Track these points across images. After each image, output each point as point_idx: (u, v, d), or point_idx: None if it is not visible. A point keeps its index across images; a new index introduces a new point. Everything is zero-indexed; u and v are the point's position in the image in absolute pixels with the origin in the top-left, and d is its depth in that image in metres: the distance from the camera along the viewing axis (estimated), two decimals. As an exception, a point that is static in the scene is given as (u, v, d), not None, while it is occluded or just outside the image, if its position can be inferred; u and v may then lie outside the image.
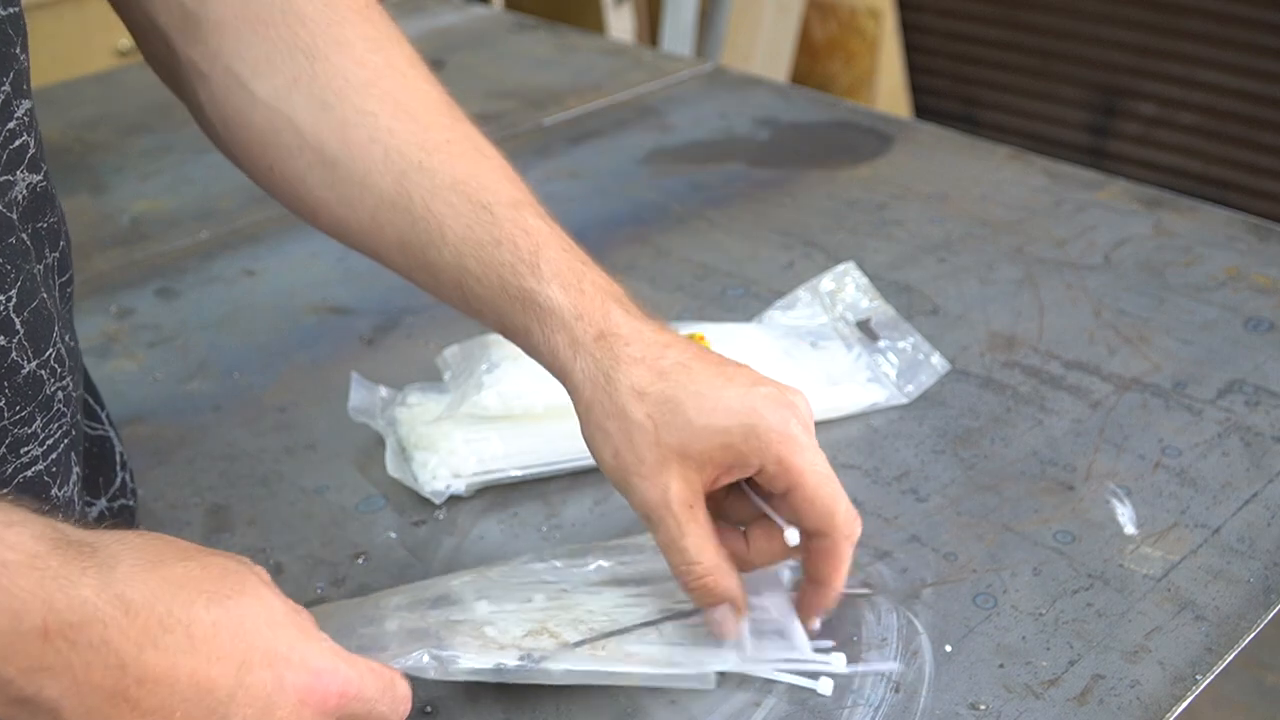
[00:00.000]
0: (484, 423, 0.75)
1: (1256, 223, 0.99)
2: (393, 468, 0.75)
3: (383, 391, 0.78)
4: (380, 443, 0.77)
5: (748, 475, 0.57)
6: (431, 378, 0.82)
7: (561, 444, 0.74)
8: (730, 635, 0.58)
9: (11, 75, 0.52)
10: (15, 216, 0.53)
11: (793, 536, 0.57)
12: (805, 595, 0.60)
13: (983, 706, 0.58)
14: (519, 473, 0.74)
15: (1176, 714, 0.58)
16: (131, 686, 0.42)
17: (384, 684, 0.49)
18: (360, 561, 0.69)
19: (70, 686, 0.41)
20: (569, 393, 0.59)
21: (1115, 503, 0.71)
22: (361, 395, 0.78)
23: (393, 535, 0.71)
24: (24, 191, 0.53)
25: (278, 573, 0.69)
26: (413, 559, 0.69)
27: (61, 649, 0.40)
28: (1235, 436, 0.75)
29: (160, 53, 0.63)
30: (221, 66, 0.60)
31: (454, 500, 0.74)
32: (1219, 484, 0.72)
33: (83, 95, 1.36)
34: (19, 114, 0.52)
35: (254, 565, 0.49)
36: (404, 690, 0.51)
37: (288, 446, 0.80)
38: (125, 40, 1.83)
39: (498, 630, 0.59)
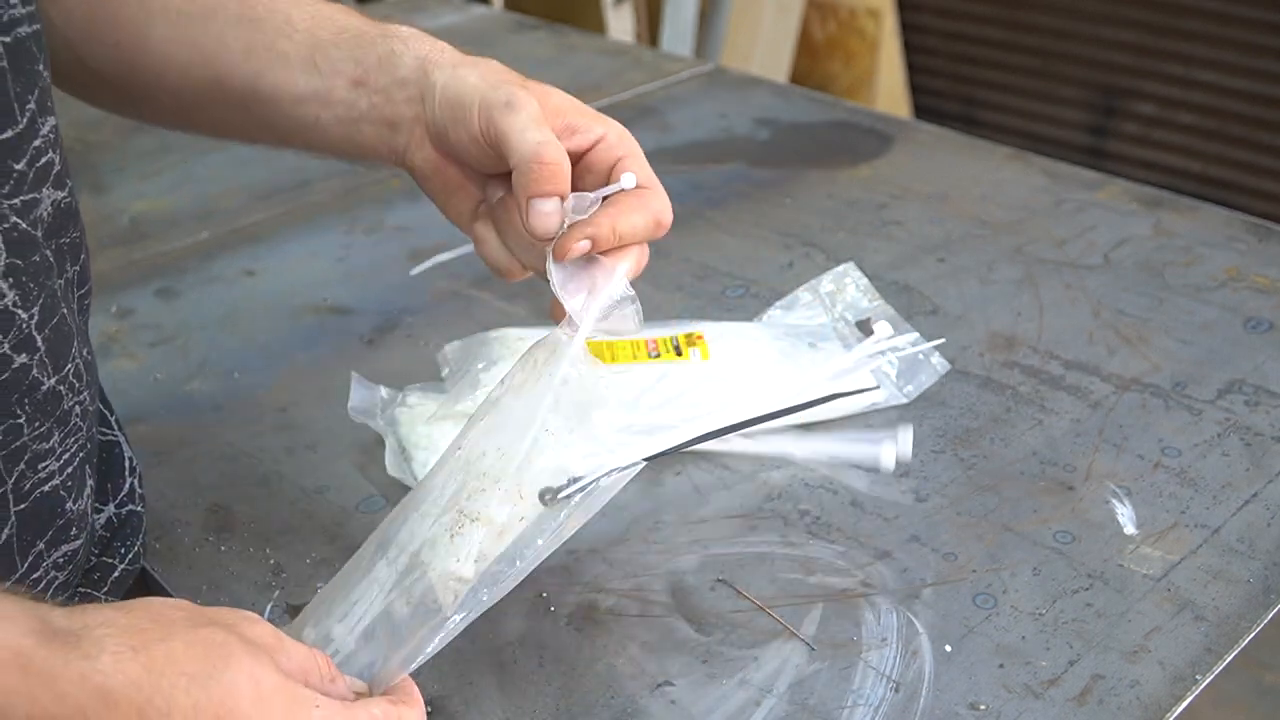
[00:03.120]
0: (484, 423, 0.75)
1: (1256, 223, 0.99)
2: (393, 468, 0.75)
3: (383, 391, 0.78)
4: (380, 443, 0.77)
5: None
6: (432, 378, 0.82)
7: (561, 444, 0.74)
8: (553, 227, 0.58)
9: (36, 93, 0.52)
10: (40, 234, 0.53)
11: (629, 180, 0.60)
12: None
13: (983, 706, 0.58)
14: (519, 473, 0.74)
15: (1176, 714, 0.58)
16: None
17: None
18: (360, 561, 0.69)
19: None
20: (429, 73, 0.62)
21: (1115, 503, 0.71)
22: (361, 395, 0.78)
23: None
24: (49, 208, 0.54)
25: (278, 572, 0.69)
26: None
27: None
28: (1235, 436, 0.75)
29: None
30: None
31: (454, 500, 0.73)
32: (1219, 484, 0.72)
33: (83, 95, 1.36)
34: (44, 131, 0.53)
35: (248, 626, 0.48)
36: (412, 715, 0.51)
37: (288, 446, 0.80)
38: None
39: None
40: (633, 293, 0.59)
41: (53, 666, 0.42)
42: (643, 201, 0.60)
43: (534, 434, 0.55)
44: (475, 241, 0.65)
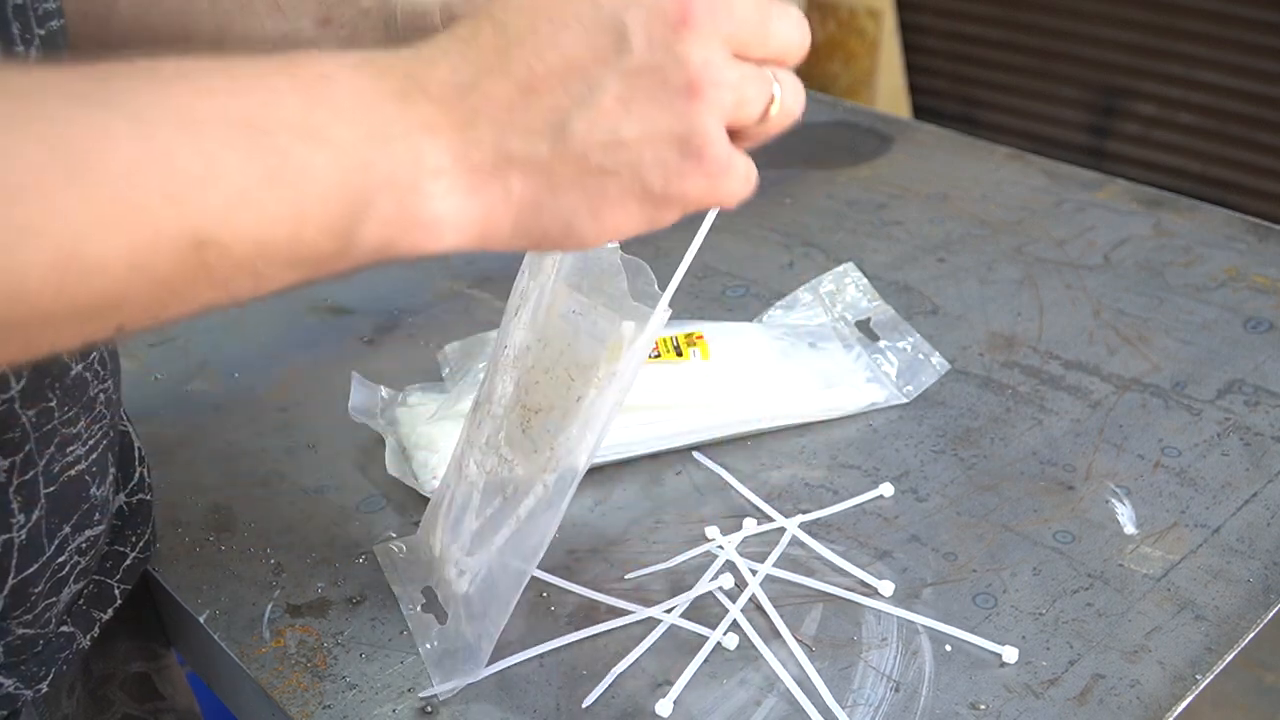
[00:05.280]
0: (484, 423, 0.75)
1: (1256, 223, 0.99)
2: (393, 467, 0.75)
3: (383, 391, 0.78)
4: (380, 443, 0.77)
5: None
6: (432, 378, 0.82)
7: (562, 444, 0.74)
8: None
9: None
10: None
11: None
12: None
13: (983, 706, 0.58)
14: (519, 473, 0.74)
15: (1176, 714, 0.58)
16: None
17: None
18: (360, 561, 0.70)
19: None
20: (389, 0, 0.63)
21: (1115, 503, 0.71)
22: (362, 395, 0.78)
23: (393, 535, 0.71)
24: None
25: (278, 572, 0.69)
26: (413, 559, 0.69)
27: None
28: (1235, 436, 0.75)
29: None
30: None
31: (454, 500, 0.74)
32: (1219, 484, 0.72)
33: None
34: None
35: None
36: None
37: (288, 446, 0.80)
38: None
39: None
40: None
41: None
42: None
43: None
44: None
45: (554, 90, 0.43)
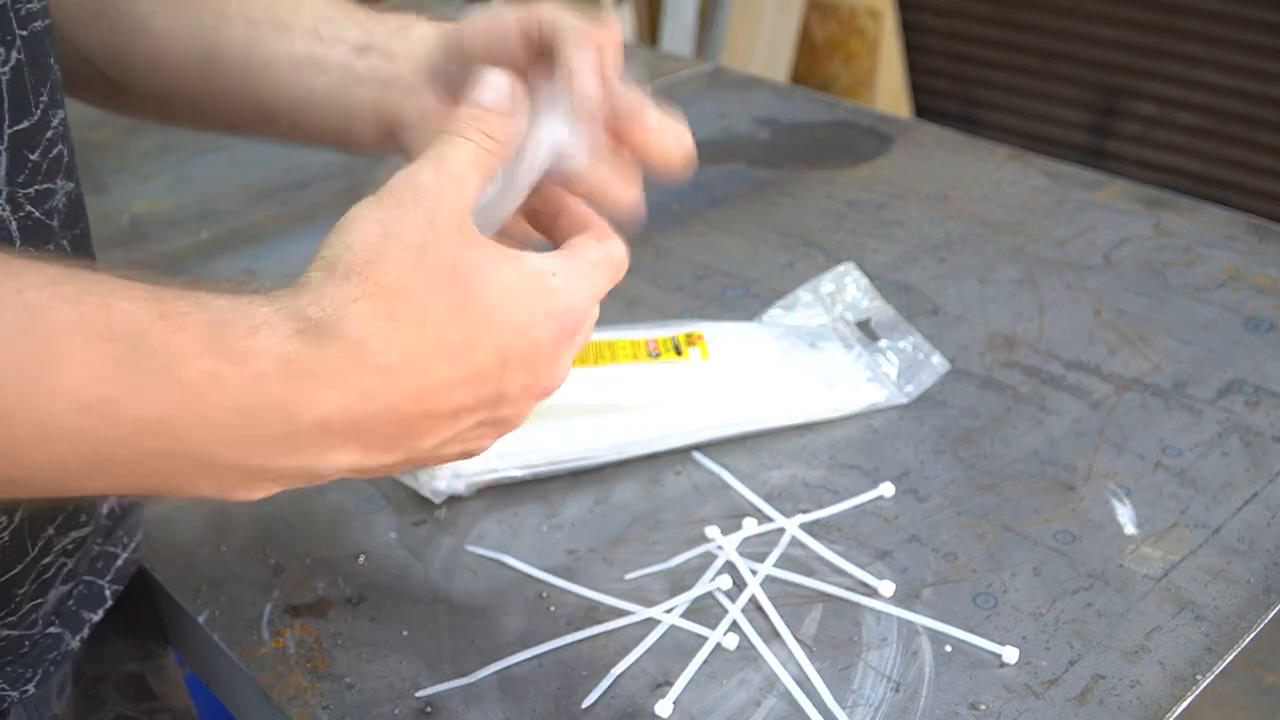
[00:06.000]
0: (484, 422, 0.75)
1: (1256, 223, 0.99)
2: (393, 468, 0.75)
3: (383, 391, 0.78)
4: (380, 443, 0.77)
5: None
6: (431, 378, 0.82)
7: (561, 444, 0.74)
8: (504, 92, 0.55)
9: (49, 86, 0.53)
10: (56, 224, 0.54)
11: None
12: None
13: (983, 706, 0.58)
14: (519, 473, 0.74)
15: (1176, 714, 0.58)
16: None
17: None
18: (360, 561, 0.70)
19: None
20: (405, 31, 0.63)
21: (1115, 503, 0.71)
22: (361, 395, 0.77)
23: (393, 535, 0.71)
24: (63, 199, 0.55)
25: (278, 572, 0.69)
26: (413, 559, 0.69)
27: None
28: (1235, 436, 0.75)
29: None
30: None
31: (454, 500, 0.74)
32: (1219, 484, 0.72)
33: (83, 95, 1.36)
34: (54, 123, 0.54)
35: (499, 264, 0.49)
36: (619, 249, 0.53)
37: (288, 446, 0.80)
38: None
39: None
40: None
41: (321, 374, 0.45)
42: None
43: None
44: None
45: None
